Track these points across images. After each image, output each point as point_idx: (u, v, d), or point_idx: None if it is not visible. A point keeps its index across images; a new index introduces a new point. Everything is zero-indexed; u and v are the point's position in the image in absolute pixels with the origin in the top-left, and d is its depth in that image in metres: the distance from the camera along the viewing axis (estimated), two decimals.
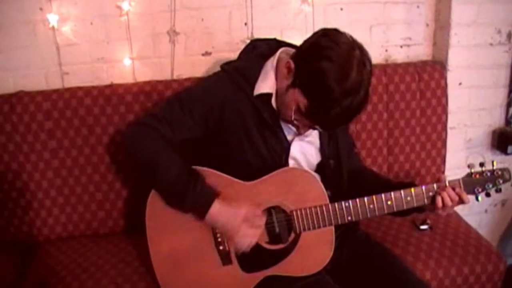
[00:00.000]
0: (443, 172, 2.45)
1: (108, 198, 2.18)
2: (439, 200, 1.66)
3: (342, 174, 1.83)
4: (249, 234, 1.66)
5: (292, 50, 1.72)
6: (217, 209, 1.63)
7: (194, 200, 1.63)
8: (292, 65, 1.58)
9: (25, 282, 1.93)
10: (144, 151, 1.67)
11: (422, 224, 2.15)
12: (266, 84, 1.67)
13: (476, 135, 2.57)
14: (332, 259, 1.73)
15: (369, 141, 2.34)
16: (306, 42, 1.60)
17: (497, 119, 2.57)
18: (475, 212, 2.67)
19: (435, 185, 1.67)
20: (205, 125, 1.70)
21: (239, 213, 1.64)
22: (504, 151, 2.53)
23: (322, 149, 1.80)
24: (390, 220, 2.21)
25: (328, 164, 1.80)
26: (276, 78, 1.67)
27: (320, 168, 1.81)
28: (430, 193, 1.67)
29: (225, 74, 1.73)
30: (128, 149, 1.76)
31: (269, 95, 1.67)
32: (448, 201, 1.65)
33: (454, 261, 1.98)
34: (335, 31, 1.56)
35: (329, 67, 1.48)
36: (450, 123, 2.45)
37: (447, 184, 1.67)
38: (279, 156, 1.73)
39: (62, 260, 2.02)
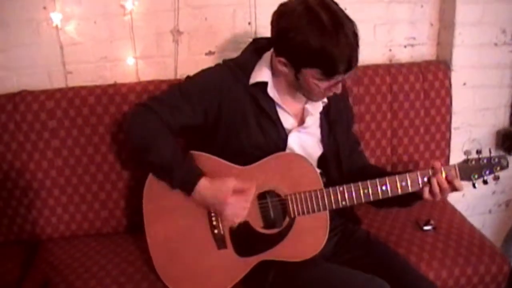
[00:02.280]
0: None
1: (111, 197, 2.18)
2: (426, 186, 1.66)
3: (342, 168, 1.84)
4: (238, 205, 1.67)
5: None
6: (204, 185, 1.66)
7: (182, 177, 1.68)
8: (282, 60, 1.63)
9: (28, 280, 1.93)
10: (142, 130, 1.73)
11: (426, 224, 2.14)
12: (261, 73, 1.73)
13: (480, 135, 2.56)
14: (332, 259, 1.75)
15: (372, 141, 2.34)
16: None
17: (501, 119, 2.56)
18: (479, 213, 2.66)
19: (430, 171, 1.67)
20: (203, 113, 1.75)
21: (226, 184, 1.66)
22: (508, 151, 2.52)
23: (323, 141, 1.81)
24: (393, 220, 2.21)
25: (329, 158, 1.82)
26: (272, 71, 1.73)
27: (322, 161, 1.83)
28: (425, 178, 1.66)
29: (224, 66, 1.79)
30: (127, 127, 1.84)
31: (265, 84, 1.72)
32: (436, 188, 1.64)
33: (458, 262, 1.97)
34: None
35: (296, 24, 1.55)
36: (454, 123, 2.45)
37: (442, 170, 1.66)
38: (276, 145, 1.75)
39: (65, 259, 2.03)
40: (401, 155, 2.37)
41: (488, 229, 2.71)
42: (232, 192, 1.65)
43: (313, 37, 1.52)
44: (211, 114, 1.74)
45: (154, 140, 1.70)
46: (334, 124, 1.82)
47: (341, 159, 1.84)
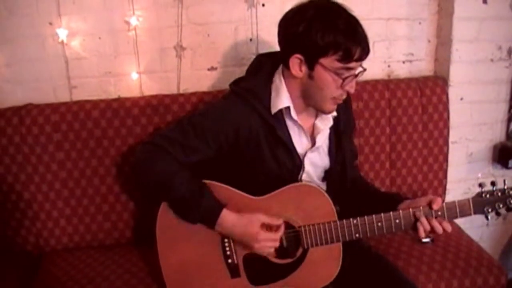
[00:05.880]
0: (445, 186, 2.48)
1: (114, 209, 2.20)
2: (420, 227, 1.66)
3: (346, 179, 1.86)
4: (270, 238, 1.69)
5: None
6: (228, 219, 1.68)
7: (202, 212, 1.68)
8: (298, 57, 1.63)
9: None
10: (156, 173, 1.70)
11: (424, 237, 2.15)
12: (281, 99, 1.70)
13: (477, 150, 2.59)
14: None
15: (372, 155, 2.36)
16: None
17: (498, 134, 2.59)
18: (477, 226, 2.68)
19: (433, 211, 1.66)
20: (218, 149, 1.73)
21: (255, 220, 1.68)
22: (505, 165, 2.56)
23: (330, 156, 1.84)
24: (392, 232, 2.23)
25: (335, 170, 1.84)
26: (289, 90, 1.71)
27: (327, 174, 1.85)
28: (439, 213, 1.66)
29: (237, 97, 1.73)
30: (140, 169, 1.76)
31: (286, 110, 1.72)
32: (421, 231, 1.65)
33: (456, 274, 2.00)
34: None
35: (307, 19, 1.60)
36: (451, 138, 2.47)
37: (444, 205, 1.66)
38: (290, 172, 1.77)
39: (69, 270, 2.05)
40: (399, 169, 2.40)
41: (485, 242, 2.73)
42: (261, 225, 1.68)
43: (328, 24, 1.57)
44: (225, 148, 1.72)
45: (170, 180, 1.67)
46: (342, 135, 1.83)
47: (347, 169, 1.85)
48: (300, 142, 1.78)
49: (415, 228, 1.68)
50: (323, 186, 1.85)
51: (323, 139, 1.80)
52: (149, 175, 1.72)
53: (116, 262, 2.09)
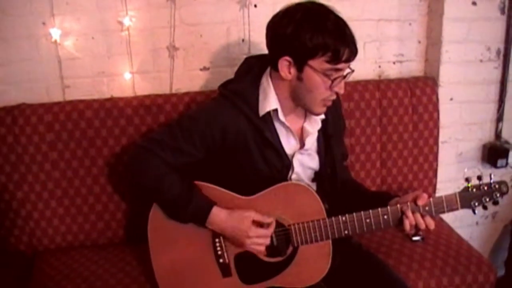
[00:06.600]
0: (435, 185, 2.51)
1: (107, 209, 2.21)
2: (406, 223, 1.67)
3: (337, 181, 1.88)
4: (261, 234, 1.70)
5: None
6: (218, 215, 1.69)
7: (192, 211, 1.69)
8: (287, 59, 1.63)
9: None
10: (147, 176, 1.73)
11: (415, 235, 2.18)
12: (269, 101, 1.71)
13: (467, 149, 2.62)
14: None
15: (362, 154, 2.39)
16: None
17: (487, 134, 2.62)
18: (467, 225, 2.71)
19: (431, 201, 1.68)
20: (206, 151, 1.74)
21: (246, 217, 1.69)
22: (494, 164, 2.59)
23: (320, 158, 1.85)
24: (383, 231, 2.25)
25: (325, 172, 1.86)
26: (277, 92, 1.72)
27: (317, 176, 1.87)
28: (427, 208, 1.67)
29: (225, 100, 1.75)
30: (132, 172, 1.81)
31: (274, 112, 1.73)
32: (412, 222, 1.66)
33: (446, 271, 2.02)
34: None
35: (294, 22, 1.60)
36: (441, 137, 2.50)
37: (431, 200, 1.68)
38: (280, 172, 1.78)
39: (62, 270, 2.05)
40: (390, 168, 2.43)
41: (475, 240, 2.75)
42: (251, 224, 1.70)
43: (317, 26, 1.58)
44: (213, 150, 1.74)
45: (160, 182, 1.70)
46: (331, 138, 1.84)
47: (337, 171, 1.87)
48: (288, 143, 1.79)
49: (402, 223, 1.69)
50: (313, 186, 1.87)
51: (312, 142, 1.82)
52: (140, 178, 1.76)
53: (110, 261, 2.09)
